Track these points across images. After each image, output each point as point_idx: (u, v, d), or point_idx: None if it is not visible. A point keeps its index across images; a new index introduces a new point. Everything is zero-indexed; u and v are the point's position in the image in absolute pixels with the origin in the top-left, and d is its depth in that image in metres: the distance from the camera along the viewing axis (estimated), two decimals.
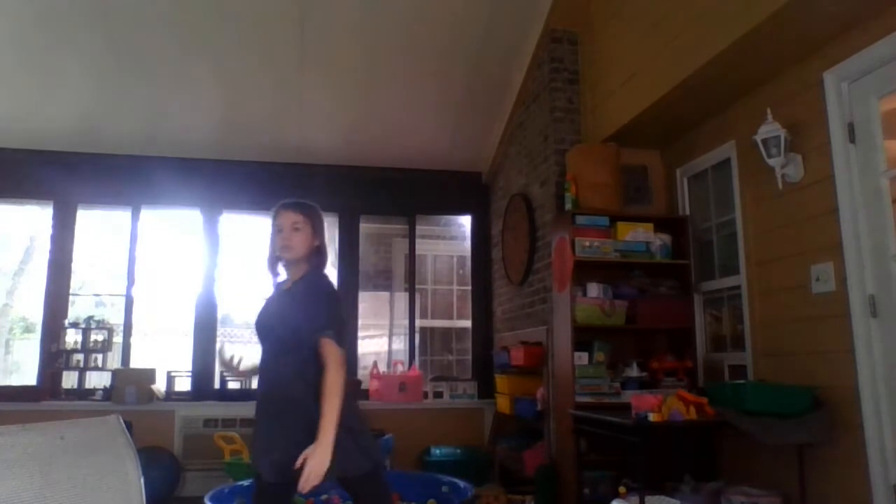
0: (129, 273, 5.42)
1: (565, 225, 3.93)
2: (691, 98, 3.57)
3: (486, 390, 5.28)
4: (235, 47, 4.58)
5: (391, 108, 5.16)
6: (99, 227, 7.65)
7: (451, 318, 8.01)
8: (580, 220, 3.90)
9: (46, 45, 4.43)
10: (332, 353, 2.06)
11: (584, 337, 3.83)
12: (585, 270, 3.88)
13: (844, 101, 2.96)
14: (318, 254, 2.29)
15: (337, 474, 2.03)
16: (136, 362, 5.33)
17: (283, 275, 2.33)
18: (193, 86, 4.87)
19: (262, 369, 2.24)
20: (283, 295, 2.26)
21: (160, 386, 5.16)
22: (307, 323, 2.12)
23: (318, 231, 2.29)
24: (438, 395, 5.40)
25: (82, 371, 5.14)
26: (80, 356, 5.15)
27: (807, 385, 3.02)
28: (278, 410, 2.13)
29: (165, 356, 6.26)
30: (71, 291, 5.40)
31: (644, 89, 3.74)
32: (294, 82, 4.87)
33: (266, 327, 2.25)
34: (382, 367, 5.69)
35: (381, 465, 2.30)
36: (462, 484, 3.67)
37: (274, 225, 2.27)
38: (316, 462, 1.94)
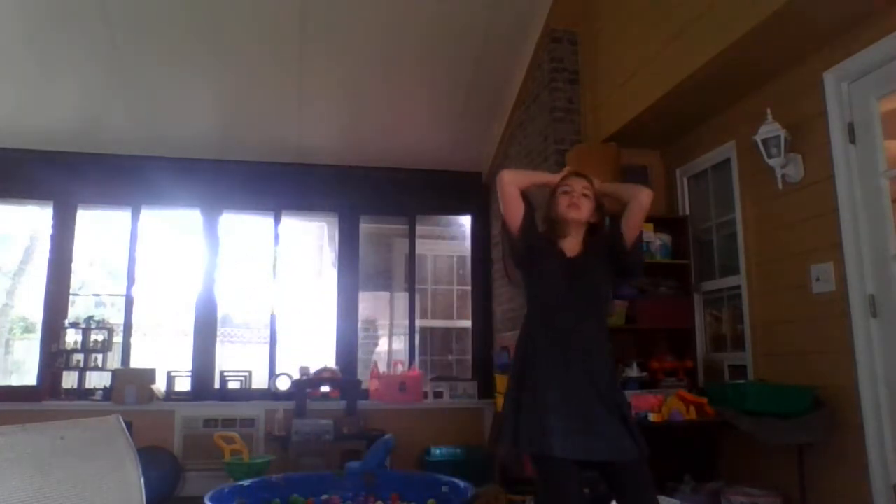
0: (129, 273, 5.42)
1: None
2: (691, 98, 3.57)
3: (487, 390, 5.28)
4: (235, 47, 4.58)
5: (391, 108, 5.16)
6: (99, 227, 7.66)
7: (451, 318, 8.02)
8: None
9: (46, 46, 4.43)
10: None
11: None
12: None
13: (844, 101, 2.97)
14: (593, 227, 2.34)
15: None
16: (136, 362, 5.33)
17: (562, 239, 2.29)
18: (193, 86, 4.87)
19: (586, 339, 2.18)
20: (583, 261, 2.26)
21: (160, 386, 5.16)
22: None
23: (600, 209, 2.35)
24: (438, 395, 5.40)
25: (82, 371, 5.13)
26: (80, 356, 5.14)
27: (807, 385, 3.02)
28: (610, 382, 2.18)
29: (165, 356, 6.27)
30: (71, 291, 5.40)
31: (644, 89, 3.74)
32: (294, 82, 4.87)
33: (592, 293, 2.25)
34: (382, 367, 5.69)
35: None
36: (462, 484, 3.66)
37: (559, 187, 2.32)
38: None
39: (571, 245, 2.28)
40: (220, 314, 5.65)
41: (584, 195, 2.28)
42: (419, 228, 6.02)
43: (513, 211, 2.28)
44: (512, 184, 2.28)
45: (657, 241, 3.97)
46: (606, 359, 2.21)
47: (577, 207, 2.26)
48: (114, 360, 5.38)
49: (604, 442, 2.05)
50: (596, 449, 2.04)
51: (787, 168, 3.20)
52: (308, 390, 5.08)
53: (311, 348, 7.04)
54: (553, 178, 2.37)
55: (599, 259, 2.28)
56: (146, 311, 7.74)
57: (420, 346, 6.74)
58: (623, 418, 2.12)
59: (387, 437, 4.22)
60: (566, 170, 2.42)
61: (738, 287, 3.67)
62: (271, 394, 5.20)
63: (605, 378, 2.15)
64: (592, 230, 2.34)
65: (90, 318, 5.28)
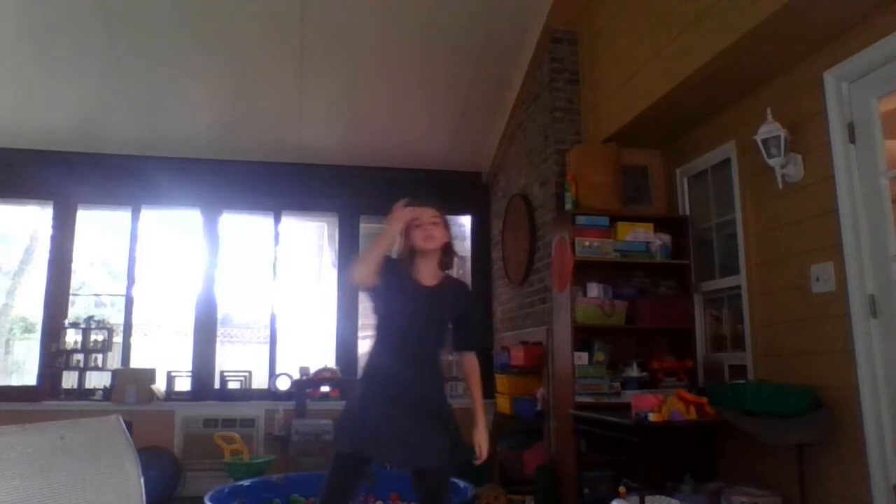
0: (129, 273, 5.42)
1: (565, 225, 3.93)
2: (691, 98, 3.57)
3: (486, 390, 5.24)
4: (235, 47, 4.58)
5: (391, 108, 5.16)
6: (99, 227, 7.67)
7: None
8: (580, 220, 3.90)
9: (47, 46, 4.43)
10: (476, 366, 2.60)
11: (584, 337, 3.83)
12: (585, 270, 3.88)
13: (844, 101, 2.96)
14: (448, 250, 2.43)
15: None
16: (136, 362, 5.33)
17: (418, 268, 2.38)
18: (193, 86, 4.87)
19: (411, 353, 2.33)
20: (436, 291, 2.38)
21: (160, 386, 5.16)
22: (475, 335, 2.64)
23: (448, 229, 2.44)
24: None
25: (82, 371, 5.14)
26: (80, 356, 5.14)
27: (807, 385, 3.02)
28: (427, 396, 2.41)
29: (165, 356, 6.27)
30: (71, 291, 5.40)
31: (644, 89, 3.74)
32: (294, 82, 4.87)
33: (429, 316, 2.36)
34: None
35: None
36: (462, 484, 3.66)
37: (411, 224, 2.37)
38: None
39: (427, 273, 2.38)
40: (220, 314, 5.65)
41: (434, 223, 2.37)
42: None
43: (370, 286, 2.28)
44: (368, 275, 2.23)
45: (657, 241, 3.97)
46: (436, 373, 2.48)
47: (432, 238, 2.35)
48: (114, 360, 5.39)
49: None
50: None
51: (787, 168, 3.20)
52: (308, 390, 5.08)
53: (311, 348, 7.04)
54: (393, 227, 2.33)
55: (447, 300, 2.40)
56: (146, 311, 7.74)
57: None
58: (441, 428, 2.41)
59: None
60: (398, 206, 2.39)
61: (738, 287, 3.67)
62: (271, 394, 5.20)
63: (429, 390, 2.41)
64: (447, 256, 2.43)
65: (90, 318, 5.28)
